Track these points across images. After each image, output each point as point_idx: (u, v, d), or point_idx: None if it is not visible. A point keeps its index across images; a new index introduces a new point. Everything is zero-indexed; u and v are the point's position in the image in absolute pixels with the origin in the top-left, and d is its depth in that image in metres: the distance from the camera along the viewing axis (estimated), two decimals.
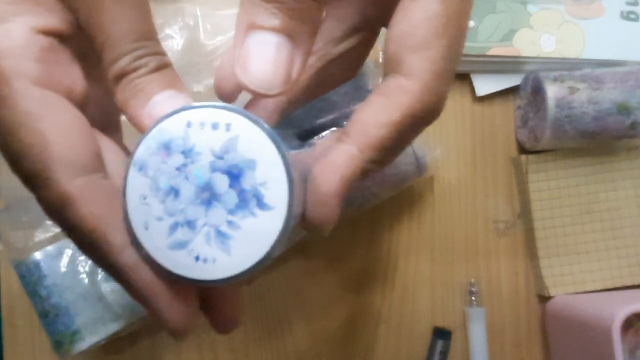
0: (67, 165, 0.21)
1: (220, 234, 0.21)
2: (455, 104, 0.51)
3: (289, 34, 0.21)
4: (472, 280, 0.49)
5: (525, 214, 0.50)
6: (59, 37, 0.22)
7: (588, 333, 0.42)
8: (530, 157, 0.49)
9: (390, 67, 0.22)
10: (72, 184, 0.21)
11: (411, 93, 0.21)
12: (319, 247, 0.49)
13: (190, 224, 0.21)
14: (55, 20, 0.22)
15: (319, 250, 0.49)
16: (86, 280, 0.42)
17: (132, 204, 0.21)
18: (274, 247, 0.21)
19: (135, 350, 0.49)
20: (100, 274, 0.42)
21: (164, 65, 0.22)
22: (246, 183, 0.20)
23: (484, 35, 0.47)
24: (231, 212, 0.21)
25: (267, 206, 0.20)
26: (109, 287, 0.42)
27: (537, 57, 0.47)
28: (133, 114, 0.22)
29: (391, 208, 0.50)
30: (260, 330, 0.49)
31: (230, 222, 0.21)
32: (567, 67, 0.47)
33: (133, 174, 0.21)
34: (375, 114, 0.21)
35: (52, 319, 0.42)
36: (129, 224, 0.21)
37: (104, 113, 0.26)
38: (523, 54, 0.47)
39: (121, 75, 0.21)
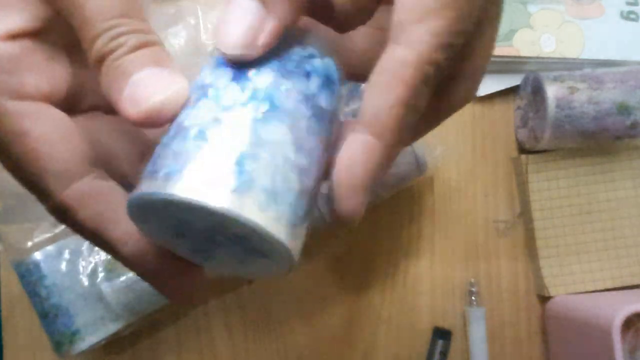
0: (58, 176, 0.21)
1: (234, 261, 0.22)
2: None
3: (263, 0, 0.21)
4: (472, 280, 0.49)
5: (525, 214, 0.50)
6: (32, 35, 0.22)
7: (588, 333, 0.42)
8: (530, 157, 0.49)
9: (392, 36, 0.21)
10: (66, 193, 0.21)
11: (411, 65, 0.21)
12: (319, 247, 0.49)
13: (204, 252, 0.21)
14: (23, 19, 0.21)
15: (319, 250, 0.49)
16: (86, 281, 0.42)
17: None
18: (287, 271, 0.21)
19: (135, 350, 0.49)
20: (101, 275, 0.42)
21: (147, 43, 0.21)
22: (253, 247, 0.20)
23: None
24: (239, 255, 0.21)
25: (275, 260, 0.21)
26: (109, 287, 0.42)
27: (537, 57, 0.47)
28: (114, 101, 0.21)
29: (391, 208, 0.50)
30: (260, 330, 0.49)
31: (240, 260, 0.21)
32: (567, 67, 0.47)
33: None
34: (383, 95, 0.21)
35: (52, 319, 0.42)
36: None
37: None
38: (523, 54, 0.47)
39: (100, 60, 0.20)
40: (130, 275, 0.41)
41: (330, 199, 0.21)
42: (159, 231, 0.21)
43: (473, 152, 0.51)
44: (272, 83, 0.20)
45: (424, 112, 0.23)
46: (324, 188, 0.22)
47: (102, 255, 0.43)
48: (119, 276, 0.42)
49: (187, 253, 0.22)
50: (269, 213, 0.18)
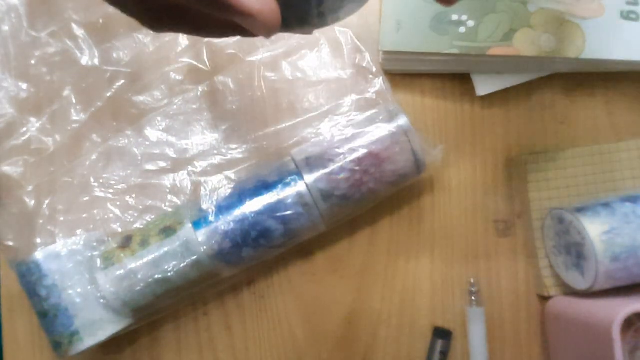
0: None
1: None
2: (455, 104, 0.51)
3: None
4: (472, 280, 0.49)
5: (525, 214, 0.50)
6: None
7: (588, 333, 0.42)
8: (530, 157, 0.49)
9: None
10: None
11: None
12: (319, 247, 0.49)
13: None
14: None
15: (319, 250, 0.49)
16: (86, 281, 0.42)
17: None
18: None
19: (134, 349, 0.49)
20: (97, 264, 0.42)
21: None
22: None
23: (484, 35, 0.47)
24: None
25: None
26: (108, 287, 0.42)
27: (537, 57, 0.47)
28: None
29: (391, 208, 0.50)
30: (260, 330, 0.49)
31: None
32: (567, 66, 0.47)
33: None
34: None
35: (51, 319, 0.42)
36: None
37: None
38: (523, 54, 0.47)
39: None
40: (124, 263, 0.42)
41: None
42: None
43: (473, 152, 0.51)
44: None
45: None
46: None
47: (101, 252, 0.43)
48: (113, 265, 0.42)
49: None
50: None
